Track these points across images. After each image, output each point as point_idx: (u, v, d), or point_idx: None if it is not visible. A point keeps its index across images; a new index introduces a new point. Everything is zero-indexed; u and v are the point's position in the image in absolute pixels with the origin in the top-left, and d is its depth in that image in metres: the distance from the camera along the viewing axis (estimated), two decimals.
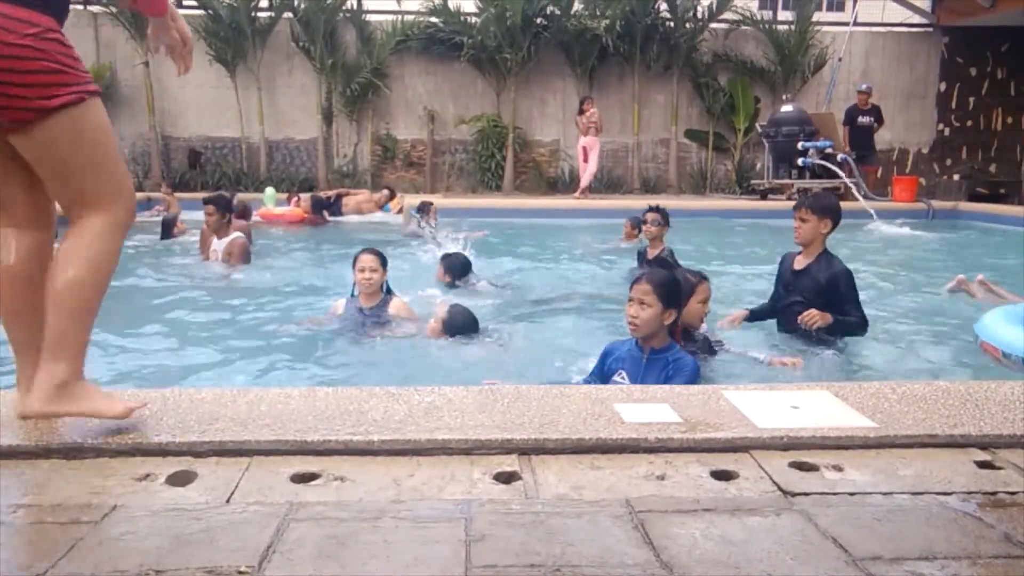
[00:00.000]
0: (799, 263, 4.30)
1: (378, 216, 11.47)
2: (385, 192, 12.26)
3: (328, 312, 4.89)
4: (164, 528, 1.58)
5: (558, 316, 5.39)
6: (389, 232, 9.54)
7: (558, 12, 13.92)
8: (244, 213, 9.41)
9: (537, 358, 4.30)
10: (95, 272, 1.95)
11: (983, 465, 1.95)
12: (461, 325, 4.38)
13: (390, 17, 14.17)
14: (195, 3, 13.63)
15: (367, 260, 4.59)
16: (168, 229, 9.15)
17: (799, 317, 4.06)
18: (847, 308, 4.09)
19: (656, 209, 6.22)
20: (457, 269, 5.87)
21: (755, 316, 4.58)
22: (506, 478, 1.85)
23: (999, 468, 1.93)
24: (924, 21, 14.79)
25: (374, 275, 4.58)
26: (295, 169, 14.37)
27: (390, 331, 4.55)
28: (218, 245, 6.88)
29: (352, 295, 4.74)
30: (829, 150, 11.83)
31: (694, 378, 3.06)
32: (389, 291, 4.77)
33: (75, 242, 1.94)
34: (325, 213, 10.71)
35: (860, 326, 4.14)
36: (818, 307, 4.05)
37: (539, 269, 7.54)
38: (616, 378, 3.23)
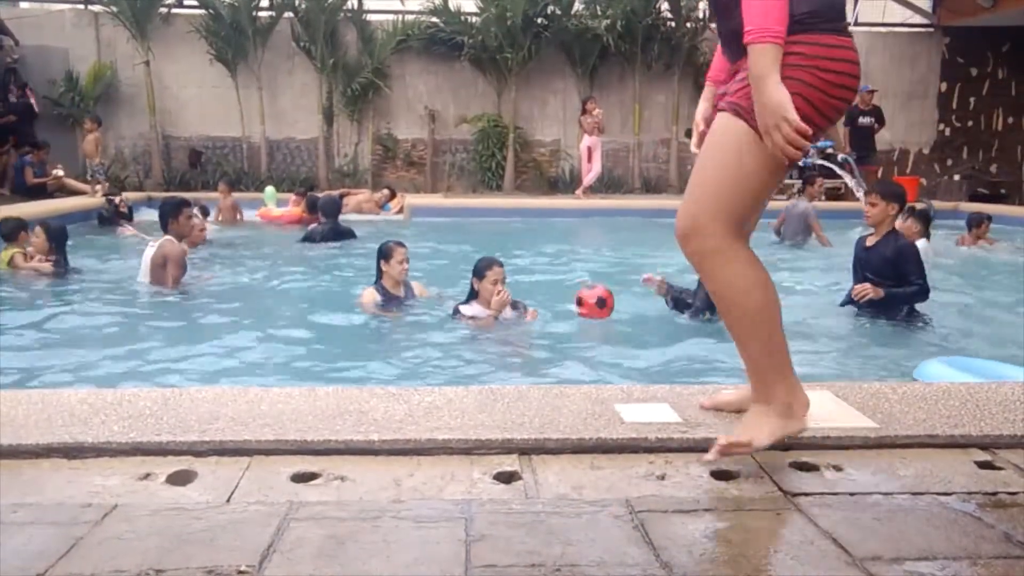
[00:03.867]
0: (869, 241, 4.91)
1: (379, 216, 11.47)
2: (385, 192, 12.26)
3: (359, 300, 5.19)
4: (164, 527, 1.59)
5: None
6: (389, 231, 9.52)
7: (559, 12, 13.89)
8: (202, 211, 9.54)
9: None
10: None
11: (983, 465, 1.95)
12: None
13: (391, 17, 14.16)
14: (196, 2, 13.63)
15: (405, 251, 5.09)
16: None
17: (852, 290, 4.79)
18: (911, 278, 4.67)
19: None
20: None
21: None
22: (506, 478, 1.85)
23: (999, 468, 1.93)
24: (925, 21, 14.77)
25: (408, 264, 5.12)
26: (296, 169, 14.35)
27: (425, 314, 5.03)
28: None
29: (378, 283, 5.10)
30: (830, 150, 11.82)
31: None
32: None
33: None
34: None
35: (921, 293, 4.71)
36: (886, 279, 4.69)
37: None
38: None
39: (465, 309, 4.77)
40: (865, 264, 4.88)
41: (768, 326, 1.90)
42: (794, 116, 1.73)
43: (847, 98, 1.85)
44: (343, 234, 8.52)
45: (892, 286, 4.69)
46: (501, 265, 4.71)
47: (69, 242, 6.67)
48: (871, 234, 4.92)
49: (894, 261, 4.70)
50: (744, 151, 1.84)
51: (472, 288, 4.77)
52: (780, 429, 1.92)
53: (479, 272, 4.69)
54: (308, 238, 8.43)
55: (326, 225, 8.53)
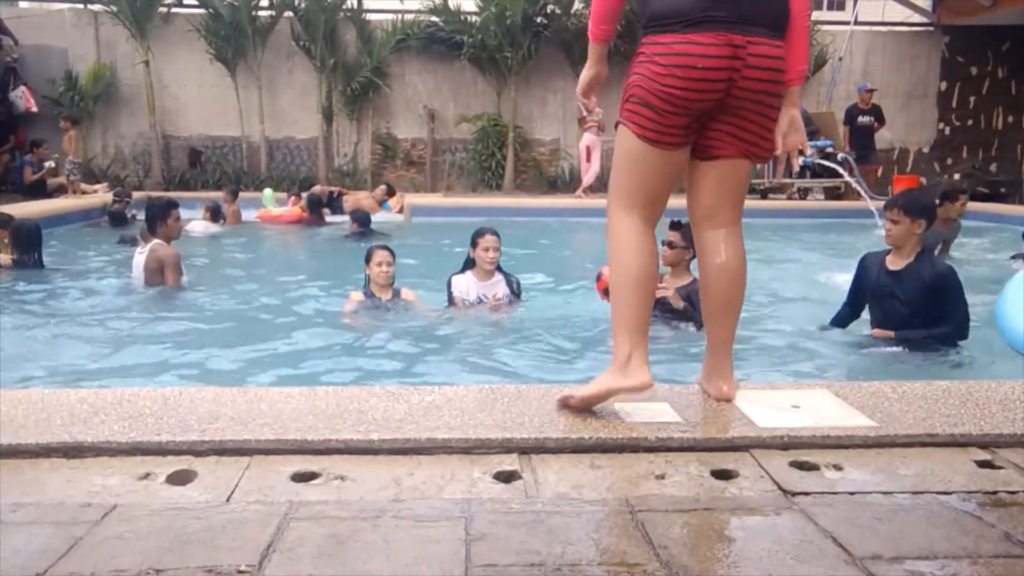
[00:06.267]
0: (894, 263, 4.05)
1: (379, 215, 11.45)
2: (383, 188, 12.21)
3: (348, 303, 5.17)
4: (164, 527, 1.58)
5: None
6: (388, 230, 9.53)
7: (558, 11, 13.88)
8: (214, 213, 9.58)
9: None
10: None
11: (983, 464, 1.95)
12: None
13: (390, 16, 14.15)
14: (195, 2, 13.63)
15: (384, 255, 5.05)
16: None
17: (871, 332, 4.13)
18: (950, 308, 3.90)
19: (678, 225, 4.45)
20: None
21: (839, 324, 4.43)
22: (506, 477, 1.85)
23: (999, 467, 1.93)
24: (925, 20, 14.77)
25: (390, 268, 5.04)
26: (295, 168, 14.35)
27: (411, 317, 5.00)
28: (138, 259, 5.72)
29: (366, 288, 5.13)
30: (830, 149, 11.82)
31: None
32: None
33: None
34: (325, 212, 10.68)
35: (958, 332, 3.95)
36: (920, 306, 3.92)
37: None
38: None
39: (458, 280, 4.98)
40: (894, 289, 4.02)
41: (620, 289, 2.26)
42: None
43: (679, 85, 2.16)
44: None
45: (926, 319, 3.93)
46: (495, 234, 4.92)
47: (48, 241, 6.64)
48: (889, 252, 4.09)
49: (933, 287, 3.88)
50: (620, 147, 2.37)
51: (468, 257, 5.01)
52: (607, 383, 2.18)
53: (473, 240, 4.95)
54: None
55: (360, 232, 8.92)
